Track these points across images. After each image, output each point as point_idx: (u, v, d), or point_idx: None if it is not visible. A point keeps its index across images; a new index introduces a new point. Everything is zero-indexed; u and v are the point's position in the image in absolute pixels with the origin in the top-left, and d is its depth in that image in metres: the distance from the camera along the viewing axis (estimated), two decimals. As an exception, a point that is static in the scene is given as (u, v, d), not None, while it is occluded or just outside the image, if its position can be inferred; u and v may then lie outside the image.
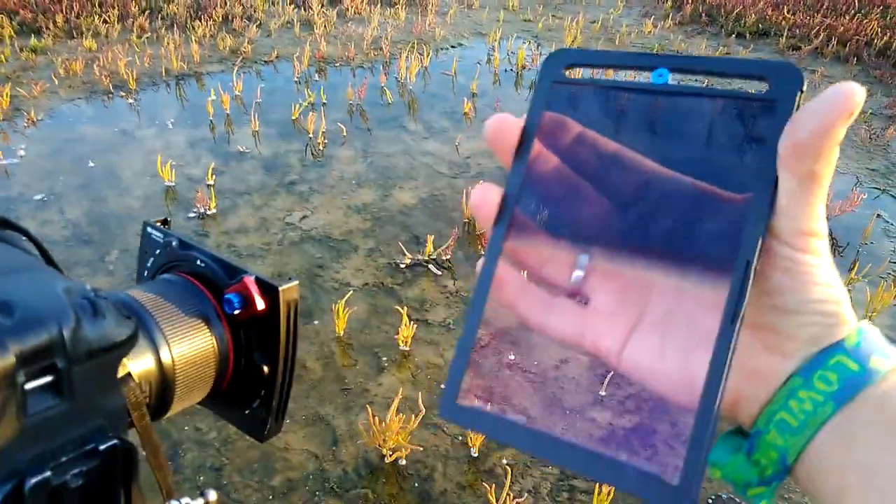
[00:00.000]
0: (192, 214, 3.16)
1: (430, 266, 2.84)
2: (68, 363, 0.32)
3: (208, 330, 0.46)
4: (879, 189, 3.88)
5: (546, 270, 0.33)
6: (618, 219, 0.31)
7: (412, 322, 2.45)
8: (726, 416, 0.33)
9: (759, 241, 0.28)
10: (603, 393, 0.31)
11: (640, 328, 0.31)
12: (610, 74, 0.35)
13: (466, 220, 3.21)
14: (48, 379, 0.32)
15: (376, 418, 1.99)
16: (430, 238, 2.89)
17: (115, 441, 0.35)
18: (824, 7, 7.09)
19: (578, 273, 0.32)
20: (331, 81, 4.86)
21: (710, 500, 2.00)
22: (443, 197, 3.43)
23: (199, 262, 0.48)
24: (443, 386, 0.31)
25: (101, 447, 0.34)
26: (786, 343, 0.30)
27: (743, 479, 0.31)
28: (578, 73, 0.35)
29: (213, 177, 3.41)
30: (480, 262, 0.33)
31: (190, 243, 0.50)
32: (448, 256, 2.90)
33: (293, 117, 4.19)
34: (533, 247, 0.33)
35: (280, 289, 0.45)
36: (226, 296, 0.46)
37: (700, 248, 0.29)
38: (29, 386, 0.31)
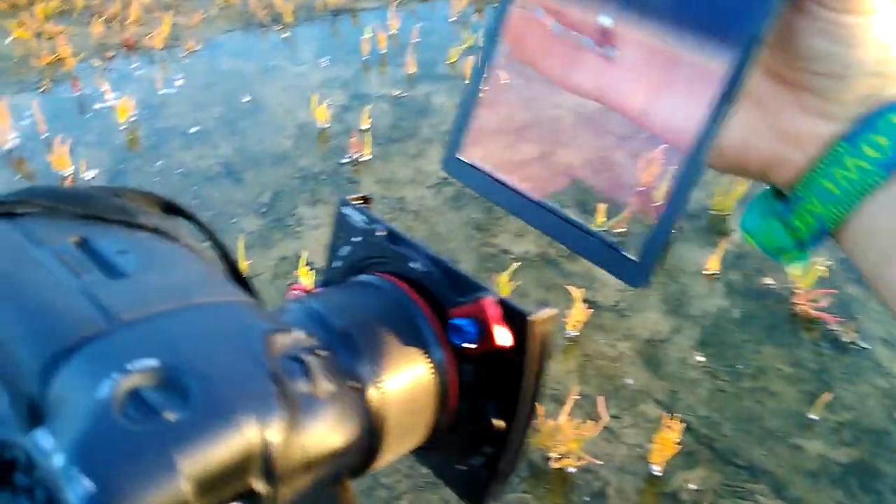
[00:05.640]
0: (344, 160, 2.98)
1: (601, 239, 2.52)
2: (272, 485, 0.21)
3: (430, 363, 0.35)
4: None
5: (568, 15, 0.31)
6: None
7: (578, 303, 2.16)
8: (758, 178, 0.31)
9: (775, 8, 0.25)
10: (595, 160, 0.33)
11: (670, 83, 0.29)
12: None
13: (642, 189, 2.83)
14: None
15: (547, 418, 1.73)
16: (603, 207, 2.56)
17: None
18: None
19: (604, 19, 0.30)
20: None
21: None
22: (609, 162, 3.06)
23: (415, 265, 0.37)
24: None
25: None
26: (829, 106, 0.28)
27: (777, 245, 0.31)
28: None
29: (369, 121, 3.21)
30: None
31: (402, 236, 0.39)
32: (623, 229, 2.56)
33: (451, 61, 3.90)
34: None
35: (530, 319, 0.34)
36: (454, 321, 0.35)
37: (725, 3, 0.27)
38: None
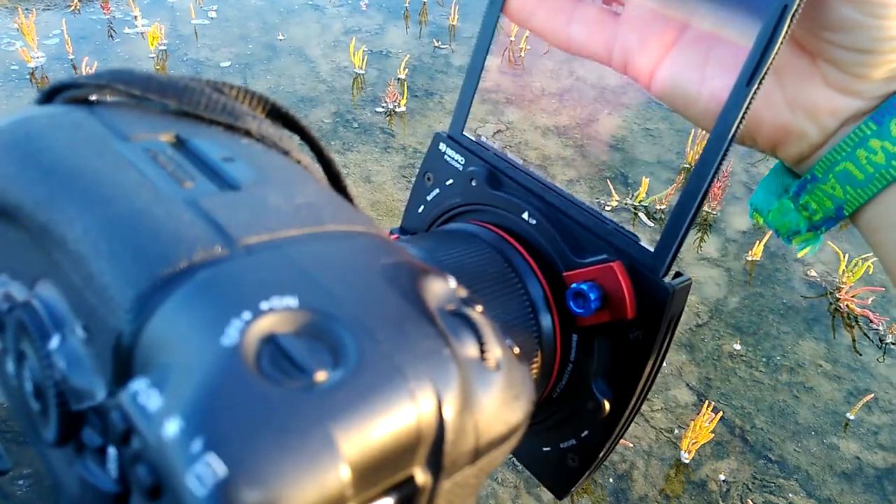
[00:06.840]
0: (379, 109, 2.87)
1: (640, 214, 2.43)
2: (435, 476, 0.16)
3: (536, 331, 0.31)
4: None
5: None
6: None
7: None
8: (767, 152, 0.29)
9: None
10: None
11: (680, 44, 0.27)
12: None
13: (688, 166, 2.73)
14: None
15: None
16: (646, 181, 2.46)
17: None
18: None
19: None
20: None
21: None
22: (659, 133, 2.95)
23: (526, 217, 0.33)
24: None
25: None
26: (854, 82, 0.26)
27: (789, 228, 0.29)
28: None
29: (406, 71, 3.10)
30: None
31: (502, 180, 0.34)
32: (664, 206, 2.46)
33: (493, 16, 3.76)
34: None
35: (672, 291, 0.29)
36: (576, 286, 0.30)
37: None
38: None
